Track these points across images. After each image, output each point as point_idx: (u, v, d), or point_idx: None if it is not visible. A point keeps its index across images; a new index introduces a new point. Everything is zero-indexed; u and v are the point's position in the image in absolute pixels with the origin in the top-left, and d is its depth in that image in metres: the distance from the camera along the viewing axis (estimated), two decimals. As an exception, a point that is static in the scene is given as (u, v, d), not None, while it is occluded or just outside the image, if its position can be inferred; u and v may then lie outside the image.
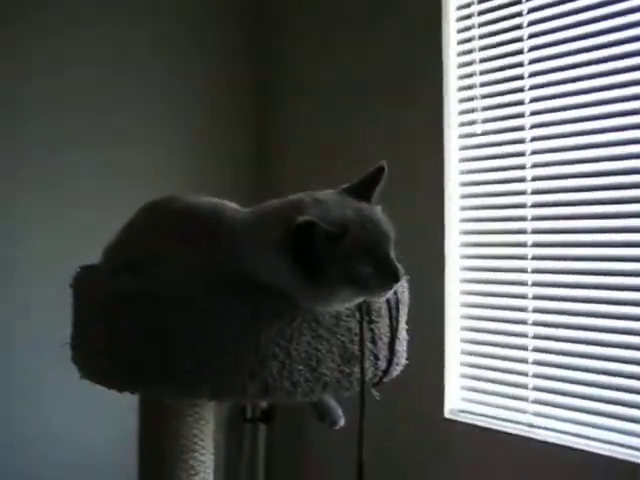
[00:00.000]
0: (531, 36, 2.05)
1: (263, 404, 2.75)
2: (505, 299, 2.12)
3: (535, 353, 2.03)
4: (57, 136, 2.41)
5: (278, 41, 2.91)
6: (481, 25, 2.18)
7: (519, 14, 2.08)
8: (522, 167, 2.08)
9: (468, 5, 2.21)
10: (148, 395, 1.08)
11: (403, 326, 1.18)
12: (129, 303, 1.01)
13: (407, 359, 1.19)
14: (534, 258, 2.05)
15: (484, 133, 2.18)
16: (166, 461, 1.22)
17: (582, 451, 1.88)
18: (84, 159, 2.46)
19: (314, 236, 0.92)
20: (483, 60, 2.18)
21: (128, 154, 2.57)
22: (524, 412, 2.06)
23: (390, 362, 1.11)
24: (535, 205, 2.05)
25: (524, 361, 2.05)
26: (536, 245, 2.05)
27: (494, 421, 2.12)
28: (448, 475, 2.19)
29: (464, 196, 2.24)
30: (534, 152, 2.05)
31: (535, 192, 2.05)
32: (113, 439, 2.27)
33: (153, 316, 0.99)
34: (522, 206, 2.08)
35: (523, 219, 2.07)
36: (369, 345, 1.07)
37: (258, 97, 2.91)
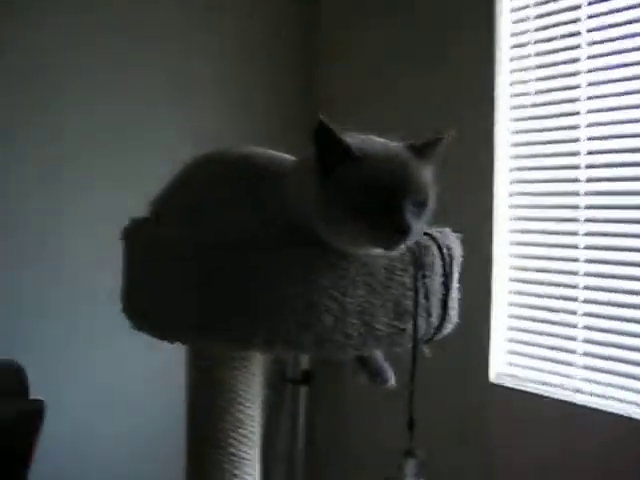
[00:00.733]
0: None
1: (304, 365, 2.77)
2: (555, 262, 2.07)
3: (585, 317, 1.99)
4: (106, 95, 2.44)
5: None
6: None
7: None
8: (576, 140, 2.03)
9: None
10: (200, 345, 1.08)
11: (455, 284, 1.16)
12: (182, 252, 1.00)
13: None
14: (587, 220, 2.00)
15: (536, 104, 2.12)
16: (214, 413, 1.22)
17: (629, 418, 1.84)
18: (129, 117, 2.48)
19: (331, 141, 0.90)
20: (538, 29, 2.10)
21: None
22: (572, 377, 2.02)
23: (443, 319, 1.09)
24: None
25: (574, 326, 2.01)
26: (589, 207, 1.99)
27: (540, 386, 2.09)
28: (492, 440, 2.18)
29: (514, 156, 2.19)
30: (590, 138, 2.00)
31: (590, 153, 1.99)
32: (161, 395, 2.32)
33: (207, 265, 0.98)
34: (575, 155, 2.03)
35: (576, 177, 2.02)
36: (422, 301, 1.05)
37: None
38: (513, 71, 2.18)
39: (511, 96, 2.18)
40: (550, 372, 2.08)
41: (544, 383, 2.08)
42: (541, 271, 2.11)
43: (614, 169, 1.95)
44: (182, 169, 1.22)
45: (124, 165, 2.46)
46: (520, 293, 2.17)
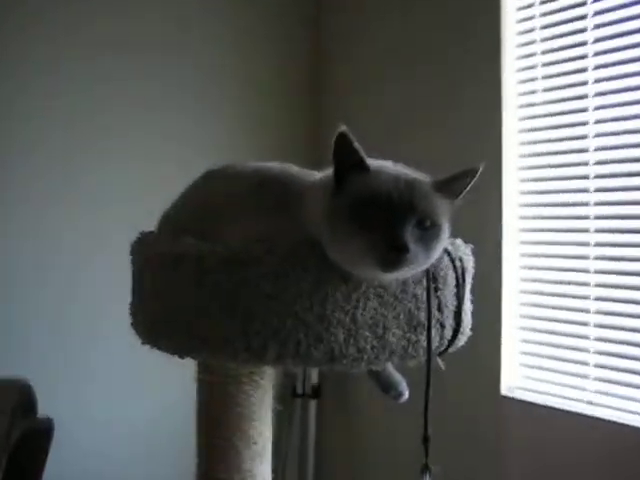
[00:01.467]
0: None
1: (314, 379, 2.75)
2: (566, 273, 2.05)
3: (597, 329, 1.97)
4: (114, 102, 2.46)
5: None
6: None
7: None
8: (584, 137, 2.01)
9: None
10: (210, 361, 1.07)
11: (468, 296, 1.15)
12: (191, 266, 1.00)
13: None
14: (597, 230, 1.98)
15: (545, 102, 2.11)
16: (224, 430, 1.21)
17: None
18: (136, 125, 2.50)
19: (347, 150, 0.91)
20: (544, 27, 2.09)
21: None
22: (584, 389, 2.00)
23: (456, 330, 1.08)
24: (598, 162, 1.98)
25: (586, 337, 1.99)
26: (599, 217, 1.98)
27: (552, 398, 2.07)
28: (504, 452, 2.15)
29: (522, 156, 2.18)
30: (597, 134, 1.98)
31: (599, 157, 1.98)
32: (172, 414, 2.31)
33: (216, 279, 0.97)
34: (584, 165, 2.01)
35: (585, 186, 2.01)
36: (436, 313, 1.04)
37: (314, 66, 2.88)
38: (520, 82, 2.17)
39: (518, 107, 2.17)
40: (562, 384, 2.06)
41: (556, 395, 2.06)
42: (552, 283, 2.09)
43: (623, 179, 1.93)
44: (192, 184, 1.21)
45: (134, 179, 2.46)
46: (531, 305, 2.15)
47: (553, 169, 2.10)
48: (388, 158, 1.01)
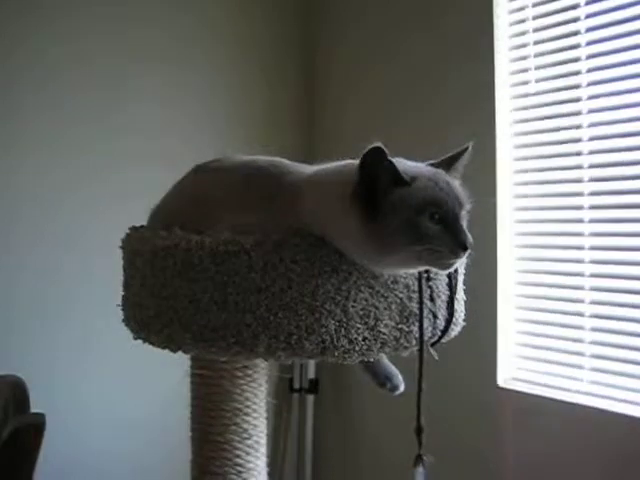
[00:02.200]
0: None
1: (311, 374, 2.75)
2: (561, 264, 2.05)
3: (592, 319, 1.96)
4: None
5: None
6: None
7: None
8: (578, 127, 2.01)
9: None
10: (202, 354, 1.07)
11: (461, 285, 1.14)
12: (182, 259, 0.99)
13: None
14: (592, 221, 1.98)
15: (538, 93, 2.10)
16: (218, 425, 1.21)
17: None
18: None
19: (381, 170, 0.89)
20: (536, 17, 2.09)
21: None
22: (580, 380, 2.00)
23: (449, 321, 1.07)
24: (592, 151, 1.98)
25: (581, 328, 1.99)
26: (594, 207, 1.98)
27: (548, 389, 2.06)
28: (500, 443, 2.15)
29: (517, 146, 2.17)
30: (590, 124, 1.98)
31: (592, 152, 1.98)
32: (164, 408, 2.30)
33: (207, 272, 0.96)
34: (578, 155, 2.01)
35: (579, 175, 2.00)
36: (428, 303, 1.03)
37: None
38: (513, 72, 2.16)
39: (511, 98, 2.17)
40: (558, 375, 2.05)
41: (552, 386, 2.06)
42: (548, 273, 2.09)
43: (617, 168, 1.93)
44: (181, 178, 1.21)
45: (124, 175, 2.45)
46: (527, 296, 2.15)
47: (547, 159, 2.09)
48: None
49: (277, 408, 2.75)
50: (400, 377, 1.22)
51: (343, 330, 0.96)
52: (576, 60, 1.99)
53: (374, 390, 1.22)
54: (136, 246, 1.12)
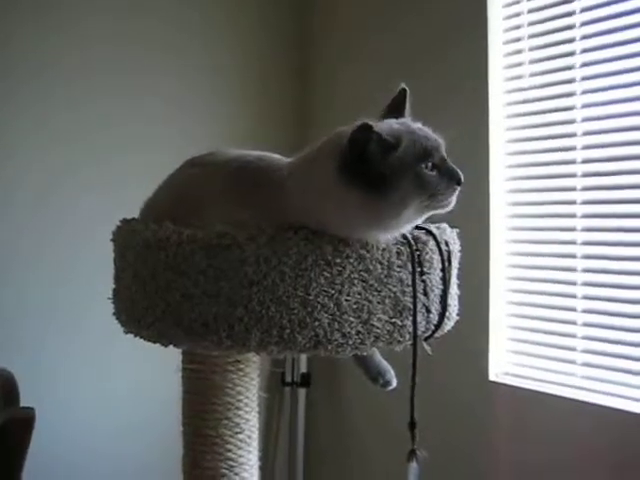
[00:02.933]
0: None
1: (303, 367, 2.75)
2: (553, 259, 2.05)
3: (584, 314, 1.97)
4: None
5: None
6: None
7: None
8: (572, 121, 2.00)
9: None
10: (194, 348, 1.06)
11: (454, 280, 1.14)
12: (173, 252, 0.98)
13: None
14: (584, 216, 1.98)
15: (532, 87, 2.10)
16: (210, 419, 1.20)
17: (632, 413, 1.82)
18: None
19: (370, 143, 0.92)
20: (531, 10, 2.08)
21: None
22: (572, 374, 2.00)
23: (442, 315, 1.07)
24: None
25: (573, 322, 1.99)
26: (586, 202, 1.97)
27: (540, 383, 2.07)
28: (492, 438, 2.15)
29: (510, 141, 2.17)
30: (584, 118, 1.97)
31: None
32: (155, 402, 2.30)
33: (199, 265, 0.96)
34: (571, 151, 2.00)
35: (572, 170, 2.00)
36: (421, 297, 1.03)
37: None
38: (507, 67, 2.16)
39: (504, 92, 2.16)
40: (550, 370, 2.06)
41: (544, 380, 2.06)
42: (540, 268, 2.09)
43: (611, 163, 1.92)
44: (173, 171, 1.20)
45: (121, 168, 2.44)
46: (519, 291, 2.15)
47: (540, 154, 2.09)
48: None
49: (269, 402, 2.75)
50: (392, 373, 1.22)
51: (336, 324, 0.95)
52: (570, 54, 1.98)
53: (366, 384, 1.22)
54: (127, 239, 1.11)
